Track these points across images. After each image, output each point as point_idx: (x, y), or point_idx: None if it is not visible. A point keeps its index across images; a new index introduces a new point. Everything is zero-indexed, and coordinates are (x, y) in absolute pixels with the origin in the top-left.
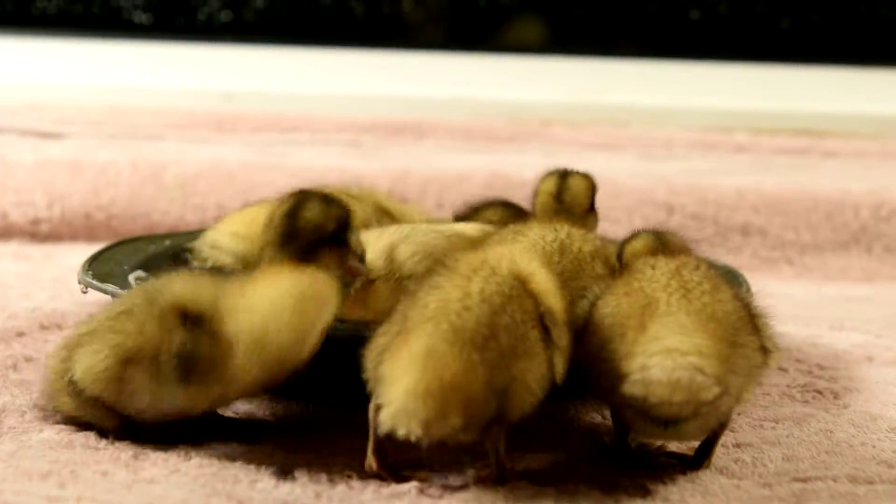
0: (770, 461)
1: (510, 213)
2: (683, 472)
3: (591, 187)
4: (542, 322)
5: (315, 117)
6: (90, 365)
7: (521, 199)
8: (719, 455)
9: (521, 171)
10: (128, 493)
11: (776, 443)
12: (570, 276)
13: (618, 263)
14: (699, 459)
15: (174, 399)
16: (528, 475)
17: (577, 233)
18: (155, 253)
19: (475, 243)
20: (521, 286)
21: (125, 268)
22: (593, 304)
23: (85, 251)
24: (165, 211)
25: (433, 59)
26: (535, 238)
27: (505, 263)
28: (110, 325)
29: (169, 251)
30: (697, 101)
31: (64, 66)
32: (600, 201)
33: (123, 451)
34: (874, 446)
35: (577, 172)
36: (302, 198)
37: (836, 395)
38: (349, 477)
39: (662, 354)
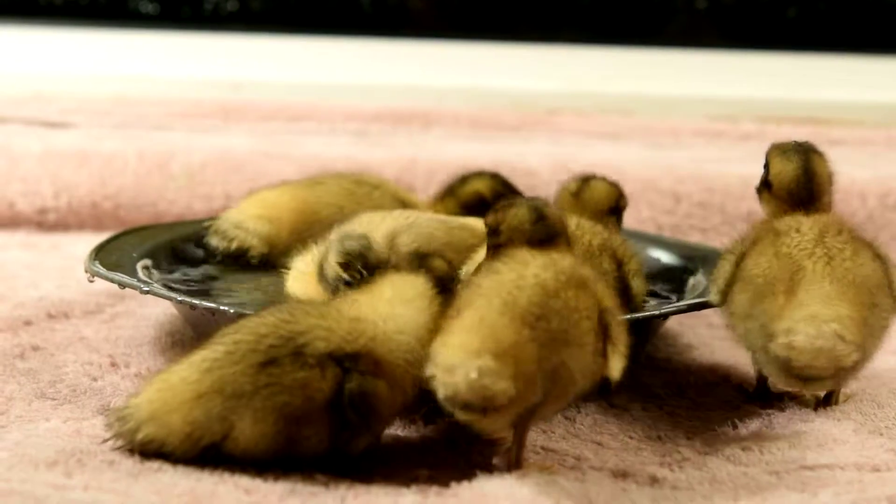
0: (777, 449)
1: (498, 183)
2: (691, 460)
3: (614, 193)
4: (600, 319)
5: (322, 106)
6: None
7: (528, 188)
8: (725, 443)
9: (528, 159)
10: (134, 481)
11: (783, 431)
12: None
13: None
14: (827, 401)
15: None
16: (529, 454)
17: (586, 224)
18: (162, 242)
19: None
20: (581, 280)
21: (132, 256)
22: (737, 264)
23: (92, 240)
24: (172, 200)
25: (440, 49)
26: None
27: (567, 261)
28: (254, 380)
29: (176, 240)
30: (703, 90)
31: (71, 56)
32: None
33: None
34: (881, 434)
35: (604, 178)
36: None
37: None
38: (356, 466)
39: (807, 321)
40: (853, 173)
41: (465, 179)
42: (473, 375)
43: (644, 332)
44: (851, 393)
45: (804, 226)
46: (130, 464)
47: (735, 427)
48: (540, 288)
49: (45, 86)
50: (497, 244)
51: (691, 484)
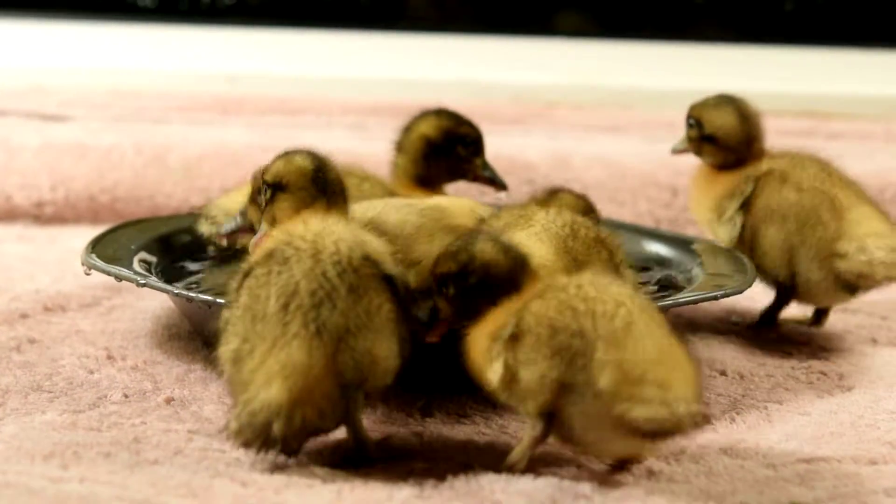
0: (774, 442)
1: (445, 119)
2: (688, 453)
3: (581, 205)
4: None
5: (319, 100)
6: None
7: (527, 180)
8: (723, 435)
9: (527, 152)
10: (130, 474)
11: (780, 424)
12: (583, 259)
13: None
14: (818, 319)
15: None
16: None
17: (579, 218)
18: (159, 235)
19: (451, 216)
20: None
21: (129, 249)
22: (746, 205)
23: (89, 233)
24: (169, 193)
25: (437, 42)
26: (545, 222)
27: None
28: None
29: (173, 233)
30: (701, 83)
31: (68, 50)
32: (605, 184)
33: (126, 433)
34: (878, 427)
35: (570, 191)
36: None
37: (840, 377)
38: (353, 459)
39: (874, 237)
40: (851, 167)
41: (408, 128)
42: None
43: None
44: None
45: (804, 162)
46: (126, 456)
47: (732, 420)
48: None
49: (43, 79)
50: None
51: (688, 477)
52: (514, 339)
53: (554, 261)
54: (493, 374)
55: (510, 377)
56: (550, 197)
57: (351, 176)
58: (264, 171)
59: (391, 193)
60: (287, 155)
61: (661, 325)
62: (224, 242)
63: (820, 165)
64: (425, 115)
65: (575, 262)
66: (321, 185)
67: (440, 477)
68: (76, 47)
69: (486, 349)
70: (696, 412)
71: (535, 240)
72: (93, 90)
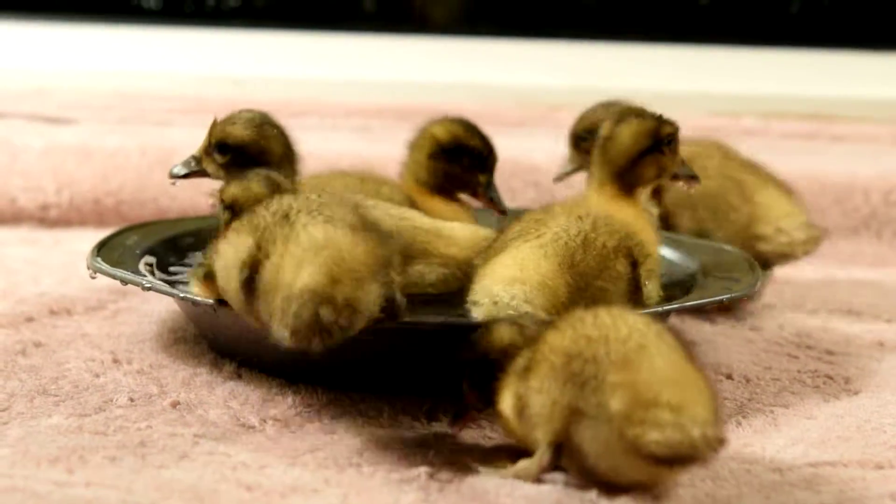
0: (780, 446)
1: (458, 127)
2: None
3: (644, 132)
4: None
5: (324, 102)
6: None
7: (531, 183)
8: (729, 439)
9: (531, 155)
10: (136, 478)
11: (787, 428)
12: (593, 274)
13: None
14: None
15: None
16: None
17: (602, 223)
18: (164, 238)
19: (444, 244)
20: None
21: (135, 252)
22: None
23: (94, 236)
24: (174, 196)
25: (442, 45)
26: (558, 230)
27: None
28: None
29: (178, 236)
30: (706, 86)
31: (73, 52)
32: None
33: (131, 437)
34: (885, 431)
35: (640, 116)
36: None
37: (846, 381)
38: (358, 463)
39: (787, 218)
40: (856, 169)
41: (422, 131)
42: None
43: None
44: None
45: (707, 150)
46: (132, 460)
47: (739, 424)
48: None
49: (48, 81)
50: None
51: (694, 481)
52: (527, 370)
53: (557, 279)
54: (505, 406)
55: (521, 406)
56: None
57: (368, 181)
58: (222, 189)
59: (408, 198)
60: (244, 181)
61: (676, 348)
62: (174, 183)
63: (722, 152)
64: (443, 119)
65: (581, 277)
66: None
67: (446, 481)
68: (81, 49)
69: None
70: (712, 436)
71: (540, 255)
72: (97, 92)
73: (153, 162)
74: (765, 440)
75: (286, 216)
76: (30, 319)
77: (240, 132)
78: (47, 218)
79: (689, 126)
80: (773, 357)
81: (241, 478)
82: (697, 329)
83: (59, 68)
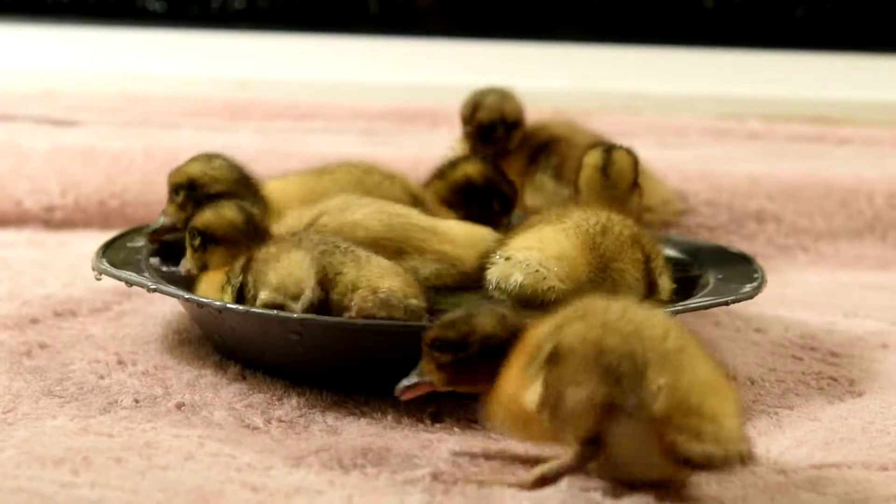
0: (785, 448)
1: (488, 168)
2: None
3: (635, 162)
4: None
5: (329, 105)
6: None
7: None
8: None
9: None
10: (141, 479)
11: (791, 430)
12: (612, 256)
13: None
14: None
15: None
16: (535, 453)
17: (616, 217)
18: (169, 239)
19: (441, 241)
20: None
21: (140, 254)
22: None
23: (99, 238)
24: None
25: (447, 47)
26: (578, 220)
27: None
28: None
29: (183, 238)
30: (711, 89)
31: (78, 54)
32: None
33: (136, 438)
34: (889, 433)
35: (622, 147)
36: None
37: (850, 383)
38: (362, 465)
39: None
40: (861, 172)
41: (455, 163)
42: None
43: None
44: None
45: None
46: (137, 461)
47: (743, 426)
48: None
49: (53, 84)
50: None
51: (699, 483)
52: (554, 359)
53: (577, 255)
54: (531, 395)
55: (554, 397)
56: (607, 158)
57: (373, 173)
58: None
59: (414, 196)
60: (216, 208)
61: (706, 353)
62: (152, 244)
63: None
64: (472, 159)
65: (601, 259)
66: (251, 234)
67: (451, 483)
68: (86, 52)
69: (518, 377)
70: (746, 453)
71: (563, 235)
72: (102, 95)
73: (158, 164)
74: (769, 442)
75: (337, 247)
76: (35, 321)
77: (188, 169)
78: (52, 220)
79: (696, 129)
80: (777, 359)
81: (247, 479)
82: (702, 330)
83: (64, 71)
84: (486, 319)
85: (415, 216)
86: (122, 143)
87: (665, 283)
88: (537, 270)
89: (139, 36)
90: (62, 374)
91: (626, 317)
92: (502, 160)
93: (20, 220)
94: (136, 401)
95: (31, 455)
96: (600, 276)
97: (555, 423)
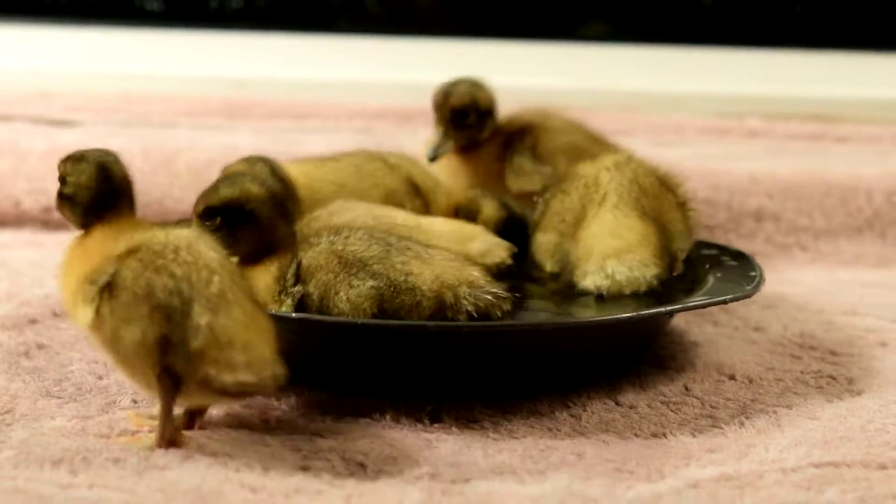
0: (784, 447)
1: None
2: (697, 457)
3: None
4: None
5: (326, 105)
6: None
7: None
8: (732, 440)
9: None
10: (139, 479)
11: (790, 429)
12: (660, 213)
13: None
14: None
15: None
16: (534, 452)
17: (638, 165)
18: None
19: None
20: None
21: None
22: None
23: None
24: (178, 198)
25: (443, 47)
26: (616, 187)
27: None
28: None
29: None
30: (709, 87)
31: (76, 54)
32: None
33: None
34: (888, 431)
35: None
36: None
37: (849, 381)
38: (361, 465)
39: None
40: (860, 170)
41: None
42: None
43: (650, 330)
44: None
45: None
46: (136, 462)
47: (742, 425)
48: None
49: (50, 84)
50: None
51: (698, 481)
52: (110, 290)
53: (645, 232)
54: (83, 316)
55: (110, 332)
56: None
57: (375, 160)
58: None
59: (417, 187)
60: (234, 182)
61: (247, 291)
62: None
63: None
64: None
65: (655, 220)
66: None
67: (450, 483)
68: (83, 52)
69: (75, 290)
70: (278, 374)
71: (621, 216)
72: (100, 95)
73: (156, 164)
74: (768, 441)
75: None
76: (33, 321)
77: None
78: (51, 220)
79: (694, 127)
80: (776, 358)
81: (245, 480)
82: (700, 329)
83: (62, 71)
84: (252, 187)
85: (401, 217)
86: (120, 143)
87: (692, 216)
88: (637, 276)
89: (137, 36)
90: (60, 374)
91: (177, 259)
92: (475, 150)
93: (19, 221)
94: (135, 401)
95: (29, 456)
96: (664, 236)
97: (119, 360)
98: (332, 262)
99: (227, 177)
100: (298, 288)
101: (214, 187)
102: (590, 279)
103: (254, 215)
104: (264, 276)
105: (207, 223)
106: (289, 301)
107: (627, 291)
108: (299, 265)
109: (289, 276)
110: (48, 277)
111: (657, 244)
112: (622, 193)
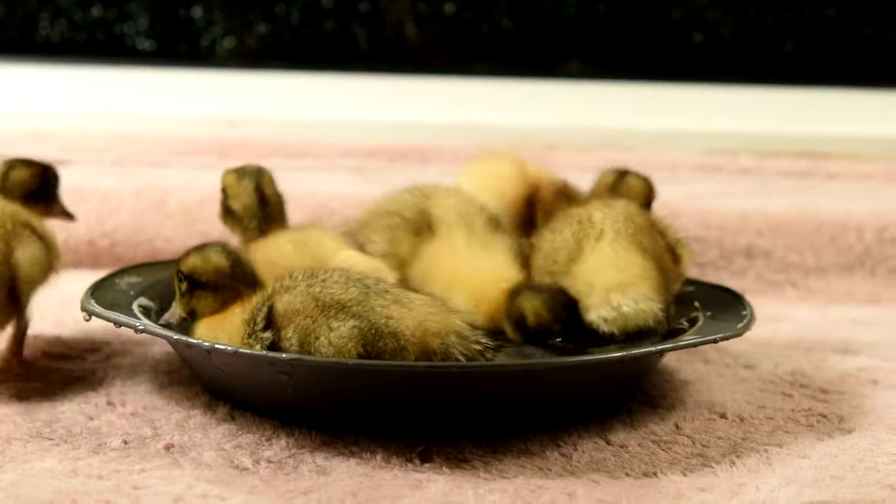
0: (774, 486)
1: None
2: (687, 496)
3: (649, 188)
4: None
5: (319, 143)
6: None
7: None
8: (723, 479)
9: None
10: None
11: (780, 467)
12: (656, 249)
13: None
14: None
15: None
16: (525, 492)
17: (631, 206)
18: (159, 280)
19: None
20: None
21: (129, 294)
22: None
23: (88, 278)
24: (169, 238)
25: (436, 85)
26: (612, 224)
27: None
28: None
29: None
30: (701, 124)
31: (68, 94)
32: None
33: (125, 480)
34: (878, 470)
35: (637, 173)
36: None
37: (840, 419)
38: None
39: None
40: (851, 207)
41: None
42: None
43: (640, 369)
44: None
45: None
46: (125, 502)
47: (733, 464)
48: None
49: (42, 123)
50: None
51: None
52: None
53: (646, 266)
54: None
55: None
56: (619, 179)
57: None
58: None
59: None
60: (202, 251)
61: None
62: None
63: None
64: (533, 295)
65: (654, 258)
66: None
67: (450, 483)
68: (75, 91)
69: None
70: None
71: (621, 249)
72: (92, 134)
73: (148, 203)
74: (759, 480)
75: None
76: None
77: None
78: None
79: (687, 164)
80: (767, 396)
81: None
82: (691, 367)
83: (54, 110)
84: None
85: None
86: (111, 183)
87: (686, 253)
88: (643, 309)
89: (129, 75)
90: (51, 415)
91: None
92: None
93: None
94: (125, 442)
95: (18, 498)
96: (663, 273)
97: None
98: (309, 305)
99: (198, 247)
100: (268, 334)
101: (187, 253)
102: (594, 313)
103: (215, 285)
104: (232, 320)
105: (179, 284)
106: (258, 347)
107: (632, 325)
108: (271, 309)
109: (258, 319)
110: (39, 317)
111: (657, 279)
112: (619, 229)
